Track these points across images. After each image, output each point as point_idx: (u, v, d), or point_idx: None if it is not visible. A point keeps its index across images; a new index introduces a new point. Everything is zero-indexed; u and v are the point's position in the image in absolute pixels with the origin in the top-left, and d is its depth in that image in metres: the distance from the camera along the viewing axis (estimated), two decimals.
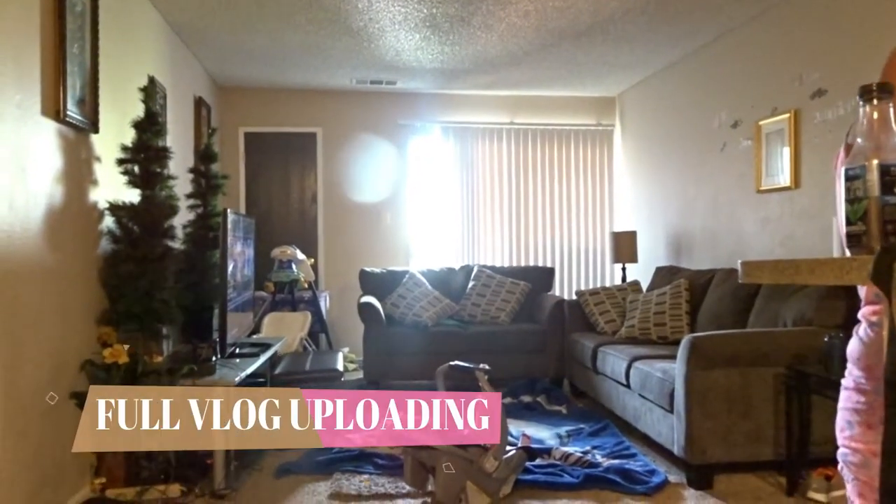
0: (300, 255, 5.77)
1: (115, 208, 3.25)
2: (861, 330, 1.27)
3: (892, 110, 0.98)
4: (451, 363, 3.10)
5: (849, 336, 1.32)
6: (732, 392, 3.16)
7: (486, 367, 3.08)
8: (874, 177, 0.95)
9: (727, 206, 4.98)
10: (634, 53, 5.46)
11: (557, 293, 6.83)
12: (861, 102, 0.99)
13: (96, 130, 3.18)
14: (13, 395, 2.44)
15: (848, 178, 0.98)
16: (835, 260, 0.89)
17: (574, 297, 5.75)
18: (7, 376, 2.40)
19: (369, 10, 4.44)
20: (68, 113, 2.84)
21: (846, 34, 3.76)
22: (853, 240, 0.97)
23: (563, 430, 4.05)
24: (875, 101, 0.98)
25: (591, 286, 6.96)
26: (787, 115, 4.22)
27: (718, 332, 3.38)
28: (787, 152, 4.24)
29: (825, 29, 3.92)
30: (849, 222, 0.98)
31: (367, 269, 5.82)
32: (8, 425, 2.41)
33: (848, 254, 0.99)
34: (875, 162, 0.94)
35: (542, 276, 5.90)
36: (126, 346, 3.00)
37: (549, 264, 6.91)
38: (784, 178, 4.27)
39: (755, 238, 4.63)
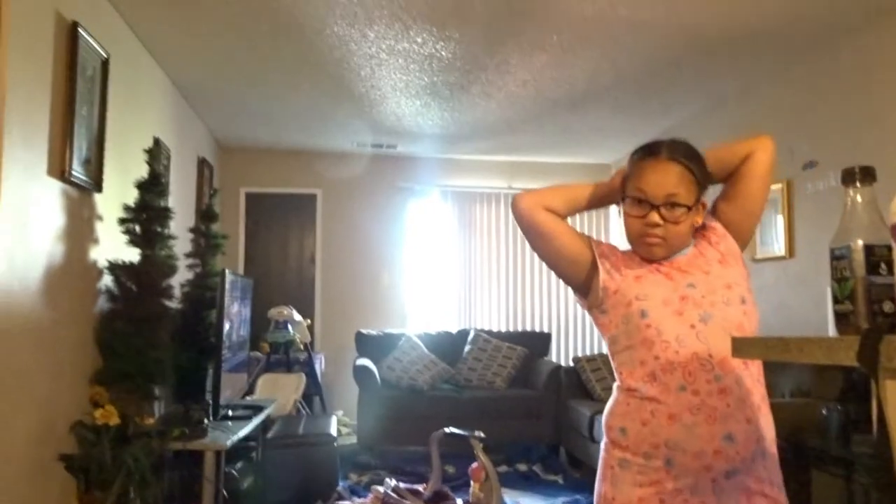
0: (297, 316, 5.75)
1: (114, 267, 3.26)
2: None
3: (873, 192, 1.01)
4: (446, 430, 3.07)
5: (847, 408, 1.34)
6: None
7: (481, 434, 3.05)
8: (860, 257, 0.97)
9: None
10: (628, 121, 5.59)
11: (554, 359, 6.78)
12: (844, 184, 1.02)
13: (100, 190, 3.23)
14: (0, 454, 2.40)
15: (834, 258, 1.00)
16: (823, 339, 0.90)
17: (571, 363, 5.71)
18: None
19: (371, 77, 4.57)
20: (73, 173, 2.89)
21: (835, 107, 3.86)
22: (841, 319, 0.99)
23: (559, 501, 3.97)
24: (858, 184, 1.01)
25: (588, 352, 6.92)
26: (779, 186, 4.29)
27: None
28: (780, 221, 4.30)
29: (814, 101, 4.03)
30: (836, 301, 1.00)
31: (364, 331, 5.80)
32: None
33: (836, 332, 1.01)
34: (860, 242, 0.97)
35: (539, 341, 5.88)
36: (117, 407, 2.96)
37: (546, 329, 6.88)
38: (779, 247, 4.31)
39: None
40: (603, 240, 1.65)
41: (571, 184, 1.69)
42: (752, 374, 1.46)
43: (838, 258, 0.99)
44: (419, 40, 3.93)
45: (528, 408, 5.19)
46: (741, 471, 1.43)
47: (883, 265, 0.95)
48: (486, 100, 5.03)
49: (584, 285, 1.58)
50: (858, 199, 1.00)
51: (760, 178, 1.57)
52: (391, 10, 3.52)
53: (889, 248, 0.96)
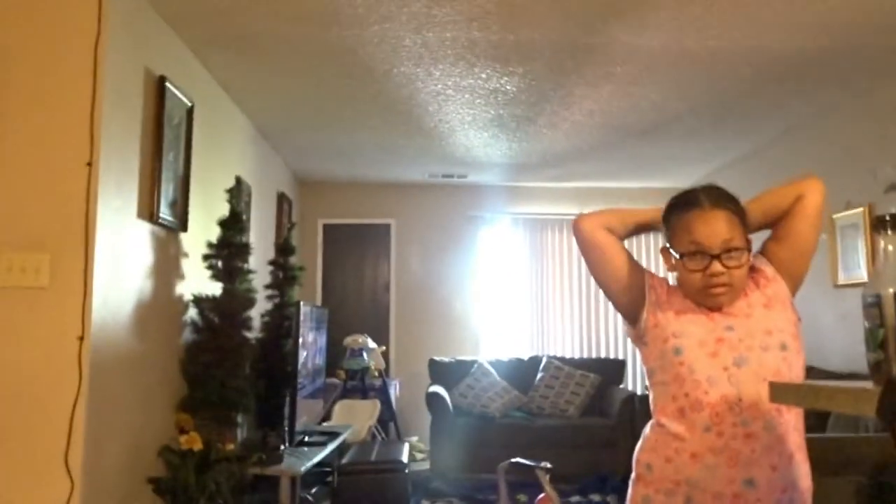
0: (371, 344, 5.90)
1: (198, 301, 3.48)
2: None
3: None
4: (512, 460, 3.10)
5: None
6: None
7: (548, 465, 3.06)
8: (891, 305, 0.97)
9: (803, 301, 4.79)
10: (701, 148, 5.50)
11: (629, 387, 6.66)
12: (875, 232, 1.03)
13: (185, 229, 3.45)
14: (93, 479, 2.59)
15: (866, 306, 1.01)
16: (850, 390, 0.91)
17: (645, 390, 5.61)
18: (90, 459, 2.56)
19: (439, 112, 4.70)
20: (161, 215, 3.12)
21: None
22: (874, 367, 0.99)
23: None
24: (889, 232, 1.01)
25: None
26: (861, 210, 4.13)
27: None
28: (863, 246, 4.13)
29: None
30: (869, 349, 1.00)
31: (436, 358, 5.88)
32: None
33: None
34: (891, 291, 0.97)
35: (613, 369, 5.80)
36: (201, 433, 3.14)
37: (619, 356, 6.78)
38: (863, 273, 4.14)
39: (834, 334, 4.45)
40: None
41: (626, 208, 1.73)
42: (787, 422, 1.45)
43: (870, 306, 1.00)
44: (483, 76, 4.02)
45: (601, 437, 5.12)
46: None
47: None
48: (553, 130, 5.07)
49: (633, 313, 1.61)
50: (889, 247, 1.00)
51: (810, 217, 1.56)
52: (455, 49, 3.63)
53: None
